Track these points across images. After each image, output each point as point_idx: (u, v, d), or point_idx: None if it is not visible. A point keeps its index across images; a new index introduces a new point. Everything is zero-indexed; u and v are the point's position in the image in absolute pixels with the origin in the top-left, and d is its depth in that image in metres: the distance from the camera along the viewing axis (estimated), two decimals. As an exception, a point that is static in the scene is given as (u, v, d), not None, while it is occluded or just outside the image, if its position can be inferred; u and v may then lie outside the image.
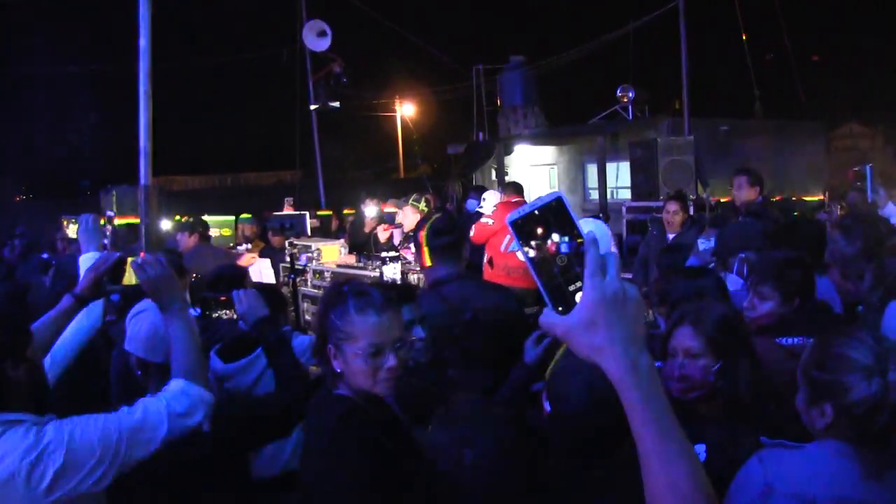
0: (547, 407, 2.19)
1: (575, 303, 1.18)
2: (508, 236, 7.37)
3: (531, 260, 1.17)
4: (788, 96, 16.44)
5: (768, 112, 15.71)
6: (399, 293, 2.65)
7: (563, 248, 1.17)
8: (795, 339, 2.96)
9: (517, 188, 8.29)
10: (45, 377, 2.34)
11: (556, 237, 1.17)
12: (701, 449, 2.28)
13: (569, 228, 1.17)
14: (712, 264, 4.20)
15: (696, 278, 3.43)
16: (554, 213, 1.18)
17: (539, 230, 1.17)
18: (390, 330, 2.19)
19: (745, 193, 6.53)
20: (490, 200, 8.26)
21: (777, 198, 7.71)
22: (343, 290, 2.25)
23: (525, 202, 7.39)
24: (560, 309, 1.18)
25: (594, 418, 2.03)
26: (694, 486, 1.19)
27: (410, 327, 2.73)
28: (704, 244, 4.46)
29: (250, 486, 3.03)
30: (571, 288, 1.18)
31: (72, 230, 6.58)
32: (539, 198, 1.19)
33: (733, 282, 3.78)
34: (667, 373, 2.43)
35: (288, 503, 2.92)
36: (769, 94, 16.12)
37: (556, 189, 11.88)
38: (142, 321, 2.85)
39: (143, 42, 5.69)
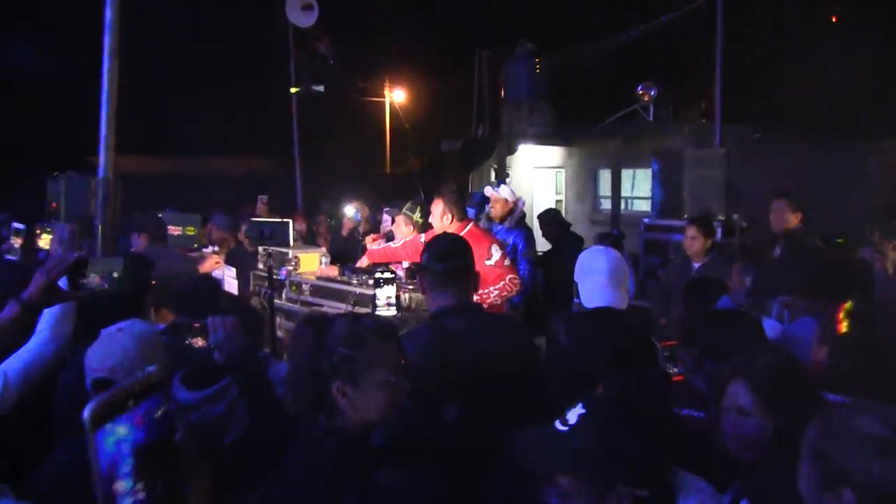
0: None
1: None
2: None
3: None
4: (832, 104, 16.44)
5: (807, 119, 15.69)
6: None
7: None
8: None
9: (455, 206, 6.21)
10: None
11: None
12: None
13: None
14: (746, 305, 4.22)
15: (730, 324, 3.44)
16: None
17: None
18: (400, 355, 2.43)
19: (786, 219, 6.56)
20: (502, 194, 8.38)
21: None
22: (356, 321, 2.44)
23: (470, 222, 6.85)
24: None
25: None
26: None
27: None
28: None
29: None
30: None
31: (44, 240, 6.26)
32: None
33: (771, 327, 3.80)
34: (723, 429, 2.51)
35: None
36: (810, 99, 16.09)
37: (563, 194, 11.77)
38: (121, 340, 2.79)
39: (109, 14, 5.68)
